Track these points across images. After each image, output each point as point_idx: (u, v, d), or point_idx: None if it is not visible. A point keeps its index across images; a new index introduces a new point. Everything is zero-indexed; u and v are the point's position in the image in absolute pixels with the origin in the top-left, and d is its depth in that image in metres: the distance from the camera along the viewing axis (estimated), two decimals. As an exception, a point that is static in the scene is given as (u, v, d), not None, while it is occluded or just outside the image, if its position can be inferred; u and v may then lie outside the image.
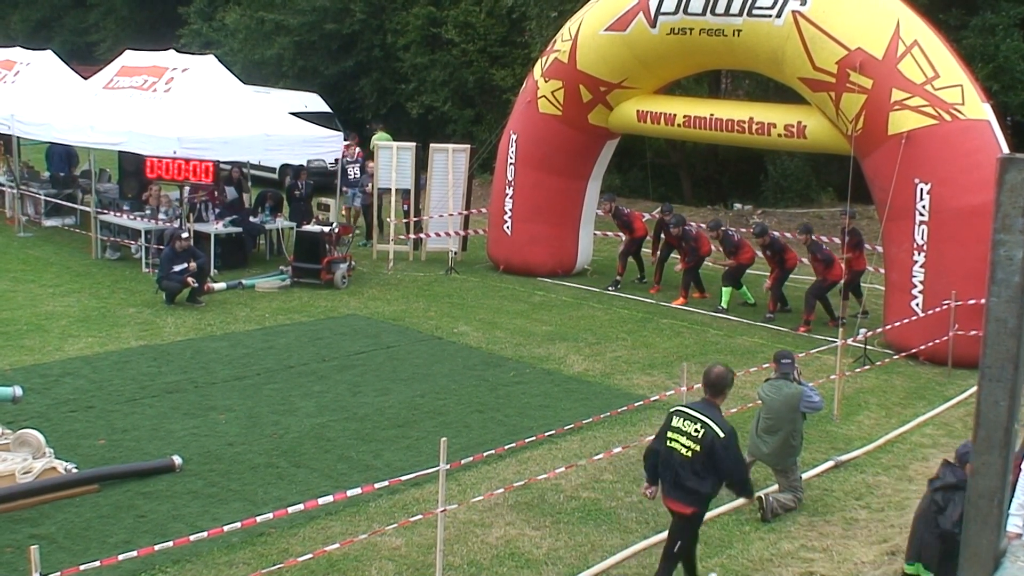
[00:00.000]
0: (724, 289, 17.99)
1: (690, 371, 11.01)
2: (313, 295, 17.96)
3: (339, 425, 11.98)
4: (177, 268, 16.84)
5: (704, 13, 16.90)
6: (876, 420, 12.92)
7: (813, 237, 17.37)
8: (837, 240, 18.43)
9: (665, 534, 8.58)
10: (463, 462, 9.42)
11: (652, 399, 12.23)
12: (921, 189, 14.97)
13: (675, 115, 18.24)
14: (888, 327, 15.34)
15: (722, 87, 29.01)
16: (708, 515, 9.88)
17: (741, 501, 9.97)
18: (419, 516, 9.18)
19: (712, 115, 17.84)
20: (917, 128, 15.02)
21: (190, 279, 16.77)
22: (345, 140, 21.86)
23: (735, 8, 16.59)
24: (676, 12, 17.22)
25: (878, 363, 14.50)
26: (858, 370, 14.28)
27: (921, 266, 15.16)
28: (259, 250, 21.21)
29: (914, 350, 14.78)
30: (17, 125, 22.36)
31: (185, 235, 17.51)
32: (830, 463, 11.36)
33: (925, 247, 15.10)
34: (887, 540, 9.56)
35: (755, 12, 16.42)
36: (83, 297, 17.25)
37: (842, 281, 16.93)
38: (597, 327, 16.66)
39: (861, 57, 15.47)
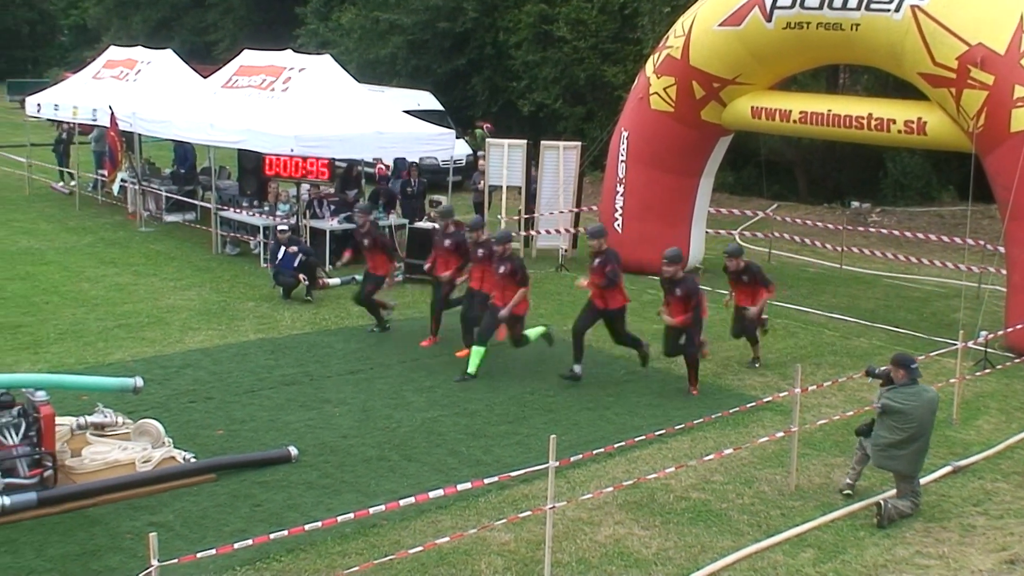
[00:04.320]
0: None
1: (804, 372, 10.81)
2: (425, 291, 18.05)
3: (449, 420, 12.08)
4: (281, 256, 17.22)
5: (821, 7, 16.60)
6: (996, 425, 12.54)
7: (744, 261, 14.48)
8: (959, 240, 17.90)
9: (777, 538, 8.45)
10: (572, 459, 9.41)
11: (765, 400, 12.05)
12: (1045, 188, 14.51)
13: (791, 111, 17.95)
14: (1010, 329, 14.87)
15: (840, 82, 28.44)
16: (822, 519, 9.76)
17: (857, 505, 9.78)
18: (528, 512, 9.19)
19: (829, 111, 17.51)
20: (1041, 125, 14.56)
21: (301, 276, 17.08)
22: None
23: (853, 2, 16.26)
24: (792, 6, 16.94)
25: (999, 366, 14.06)
26: (978, 374, 13.89)
27: (1045, 267, 14.69)
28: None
29: (1037, 353, 14.33)
30: (139, 123, 23.04)
31: (283, 227, 17.82)
32: (948, 468, 11.06)
33: (1049, 248, 14.62)
34: (1006, 548, 9.28)
35: (873, 6, 16.08)
36: (203, 291, 17.70)
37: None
38: (709, 326, 16.40)
39: (982, 53, 15.03)
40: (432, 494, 8.50)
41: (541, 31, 33.39)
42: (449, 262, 14.85)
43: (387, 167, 22.61)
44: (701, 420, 11.35)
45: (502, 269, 13.49)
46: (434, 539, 8.83)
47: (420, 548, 8.53)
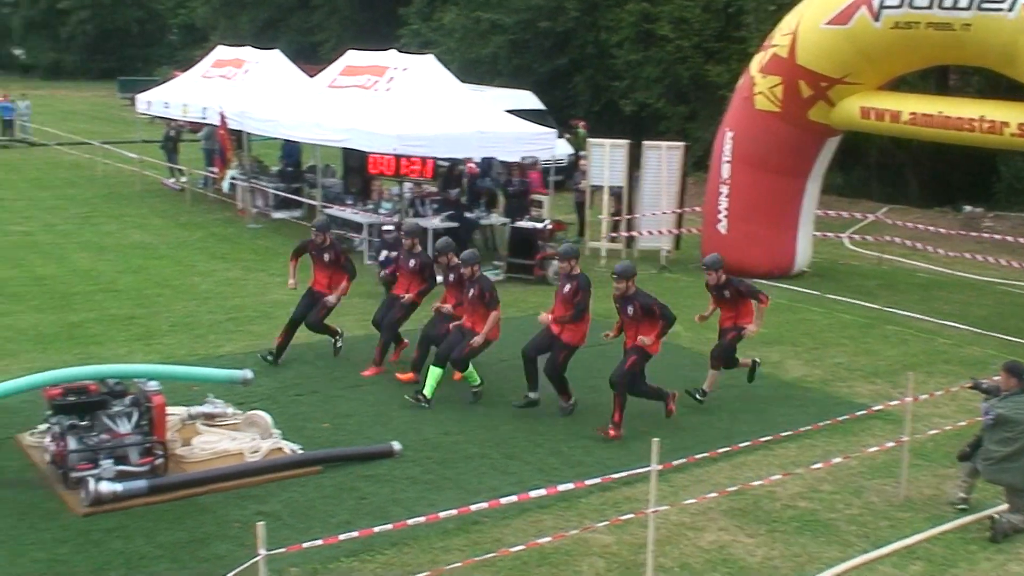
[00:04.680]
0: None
1: (915, 380, 10.57)
2: (525, 290, 18.14)
3: (551, 420, 12.06)
4: (382, 258, 17.38)
5: (930, 7, 16.23)
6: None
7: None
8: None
9: (885, 550, 8.27)
10: (675, 463, 9.33)
11: (875, 408, 11.79)
12: None
13: (900, 112, 17.57)
14: None
15: (950, 83, 27.76)
16: (932, 532, 9.53)
17: (968, 518, 9.53)
18: (630, 515, 9.14)
19: (940, 112, 17.11)
20: None
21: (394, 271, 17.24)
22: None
23: (963, 1, 15.85)
24: (900, 5, 16.60)
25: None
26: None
27: None
28: (474, 244, 21.54)
29: None
30: (247, 121, 23.47)
31: (389, 228, 17.98)
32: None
33: None
34: None
35: (985, 6, 15.67)
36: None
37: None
38: (816, 331, 16.21)
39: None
40: (534, 494, 8.52)
41: (643, 30, 33.21)
42: (412, 283, 13.81)
43: (476, 165, 22.69)
44: (809, 427, 11.16)
45: (471, 292, 12.75)
46: (535, 538, 8.83)
47: (522, 547, 8.54)
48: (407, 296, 13.68)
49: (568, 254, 12.54)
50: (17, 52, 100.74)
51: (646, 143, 21.64)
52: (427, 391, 12.37)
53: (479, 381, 12.77)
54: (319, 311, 13.83)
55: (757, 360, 13.36)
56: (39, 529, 9.13)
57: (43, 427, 10.63)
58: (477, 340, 12.39)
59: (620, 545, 9.15)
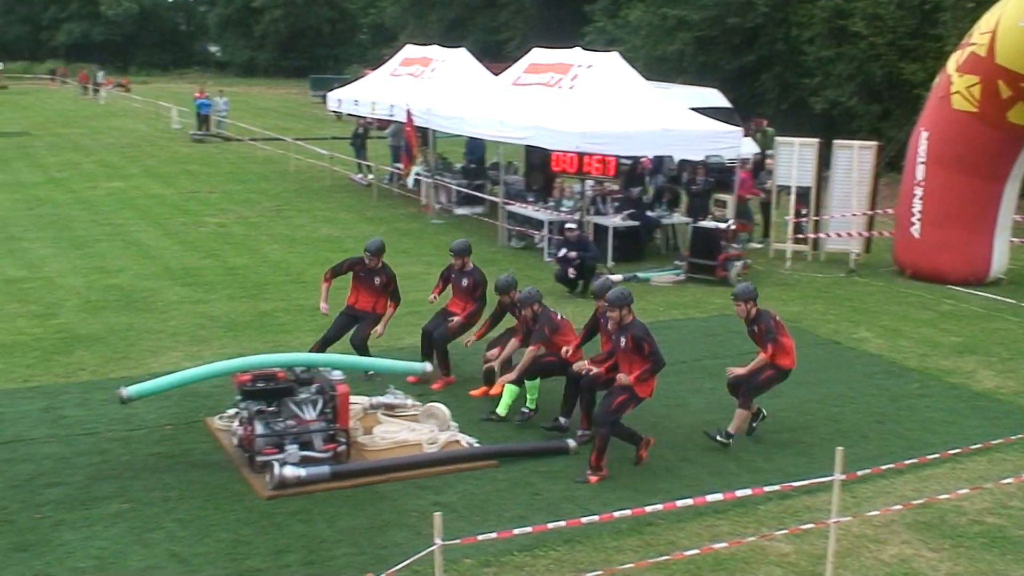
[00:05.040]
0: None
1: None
2: (707, 291, 17.89)
3: (728, 424, 11.81)
4: (560, 254, 17.41)
5: None
6: None
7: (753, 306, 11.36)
8: None
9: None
10: (860, 474, 9.04)
11: (1074, 423, 11.18)
12: None
13: (1108, 115, 16.60)
14: None
15: None
16: None
17: None
18: (810, 524, 8.90)
19: None
20: None
21: (570, 270, 17.22)
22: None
23: None
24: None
25: None
26: None
27: None
28: (654, 244, 21.42)
29: None
30: (433, 119, 23.88)
31: (571, 226, 17.97)
32: None
33: None
34: None
35: None
36: (490, 282, 18.09)
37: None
38: (1011, 341, 15.45)
39: None
40: (710, 498, 8.37)
41: (836, 26, 32.36)
42: (466, 304, 13.18)
43: (649, 161, 22.56)
44: (1000, 441, 10.66)
45: (464, 282, 12.47)
46: (711, 543, 8.68)
47: (696, 551, 8.43)
48: (455, 320, 12.99)
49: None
50: (213, 49, 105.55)
51: (837, 142, 21.04)
52: (501, 410, 11.76)
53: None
54: (363, 331, 12.88)
55: (764, 412, 11.69)
56: (225, 510, 9.49)
57: (232, 411, 11.07)
58: (509, 377, 11.45)
59: (799, 555, 8.91)
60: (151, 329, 14.95)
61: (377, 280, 12.96)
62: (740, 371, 11.28)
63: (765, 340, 11.13)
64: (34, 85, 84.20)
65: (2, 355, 13.79)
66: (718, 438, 11.05)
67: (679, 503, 8.42)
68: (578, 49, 22.72)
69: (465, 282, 13.19)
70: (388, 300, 13.05)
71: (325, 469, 9.94)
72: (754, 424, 11.48)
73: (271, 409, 10.38)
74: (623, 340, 10.45)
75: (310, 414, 10.41)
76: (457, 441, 10.89)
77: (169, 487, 9.91)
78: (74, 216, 24.20)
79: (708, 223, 19.17)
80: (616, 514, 8.16)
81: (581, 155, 18.61)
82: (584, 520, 8.03)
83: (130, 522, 9.21)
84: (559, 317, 11.80)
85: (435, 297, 13.41)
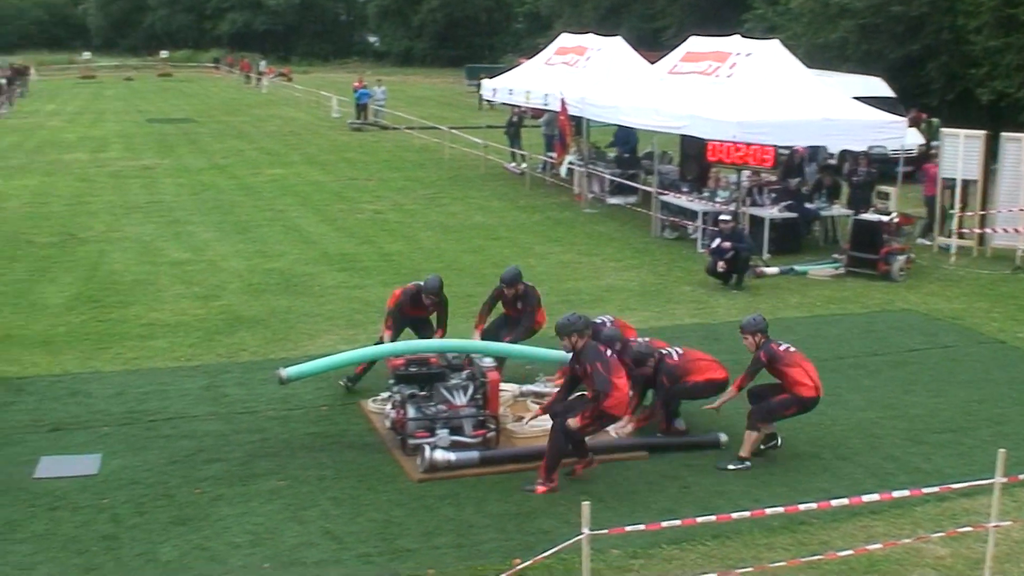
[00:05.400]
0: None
1: None
2: (867, 286, 17.40)
3: (887, 423, 11.50)
4: (714, 245, 17.16)
5: None
6: None
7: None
8: None
9: None
10: (1021, 477, 8.66)
11: None
12: None
13: None
14: None
15: None
16: None
17: None
18: (968, 528, 8.62)
19: None
20: None
21: (720, 264, 16.92)
22: None
23: None
24: None
25: None
26: None
27: None
28: (812, 236, 20.95)
29: None
30: (587, 108, 23.84)
31: (725, 217, 17.68)
32: None
33: None
34: None
35: None
36: (641, 273, 18.05)
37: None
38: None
39: None
40: (866, 498, 8.18)
41: (1004, 15, 31.11)
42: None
43: (804, 150, 22.04)
44: None
45: (519, 305, 11.90)
46: (865, 544, 8.45)
47: (850, 552, 8.23)
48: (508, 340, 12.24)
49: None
50: (372, 39, 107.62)
51: (1004, 135, 20.19)
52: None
53: None
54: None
55: (780, 440, 10.67)
56: (377, 491, 9.66)
57: (385, 395, 11.26)
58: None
59: (955, 558, 8.59)
60: (309, 312, 15.34)
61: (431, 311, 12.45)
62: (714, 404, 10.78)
63: (752, 373, 10.47)
64: (197, 73, 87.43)
65: (167, 334, 14.36)
66: (730, 467, 10.16)
67: (834, 502, 8.22)
68: (737, 37, 22.36)
69: (520, 305, 12.43)
70: (436, 327, 12.50)
71: (474, 454, 10.04)
72: (762, 447, 10.49)
73: (423, 394, 10.53)
74: (577, 366, 9.82)
75: (461, 399, 10.52)
76: (606, 432, 10.84)
77: (324, 466, 10.16)
78: (237, 201, 25.01)
79: (870, 215, 18.65)
80: (768, 511, 7.99)
81: (738, 144, 18.30)
82: (735, 516, 7.93)
83: (286, 499, 9.47)
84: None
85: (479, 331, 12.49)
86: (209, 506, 9.33)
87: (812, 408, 10.52)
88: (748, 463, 10.16)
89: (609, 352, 10.05)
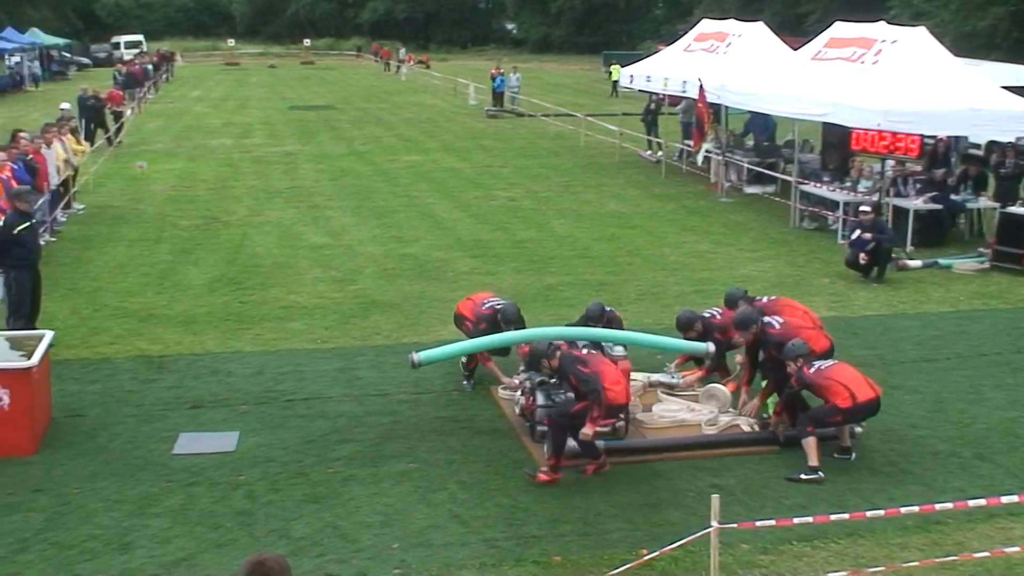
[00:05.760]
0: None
1: None
2: (1014, 282, 16.78)
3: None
4: (854, 236, 16.74)
5: None
6: None
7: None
8: None
9: None
10: None
11: None
12: None
13: None
14: None
15: None
16: None
17: None
18: (1111, 533, 8.26)
19: None
20: None
21: (862, 256, 16.47)
22: None
23: None
24: None
25: None
26: None
27: None
28: (957, 229, 20.30)
29: None
30: (726, 95, 23.50)
31: (865, 208, 17.21)
32: None
33: None
34: None
35: None
36: (778, 264, 17.75)
37: None
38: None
39: None
40: (1004, 499, 7.97)
41: None
42: None
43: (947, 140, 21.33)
44: None
45: None
46: (1002, 546, 8.21)
47: (986, 553, 8.01)
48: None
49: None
50: (510, 27, 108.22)
51: None
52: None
53: None
54: None
55: (854, 454, 10.27)
56: (505, 476, 9.73)
57: (515, 381, 11.31)
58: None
59: (1098, 565, 8.27)
60: (441, 298, 15.50)
61: None
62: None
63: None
64: (338, 61, 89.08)
65: (304, 317, 14.69)
66: (802, 476, 9.70)
67: (971, 503, 8.00)
68: (882, 23, 21.74)
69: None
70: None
71: (602, 443, 10.01)
72: (836, 456, 10.13)
73: (553, 381, 10.54)
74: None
75: (589, 388, 10.49)
76: (737, 425, 10.71)
77: (453, 450, 10.27)
78: (374, 187, 25.41)
79: (1018, 208, 17.97)
80: (903, 510, 7.82)
81: (883, 133, 17.81)
82: (869, 514, 7.79)
83: (415, 481, 9.61)
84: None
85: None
86: (341, 485, 9.52)
87: (863, 415, 10.05)
88: (820, 473, 9.72)
89: (586, 351, 10.30)
